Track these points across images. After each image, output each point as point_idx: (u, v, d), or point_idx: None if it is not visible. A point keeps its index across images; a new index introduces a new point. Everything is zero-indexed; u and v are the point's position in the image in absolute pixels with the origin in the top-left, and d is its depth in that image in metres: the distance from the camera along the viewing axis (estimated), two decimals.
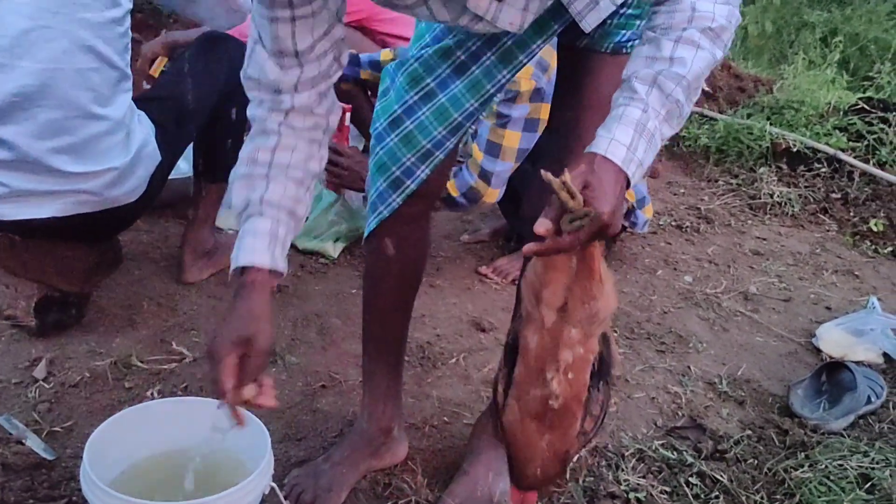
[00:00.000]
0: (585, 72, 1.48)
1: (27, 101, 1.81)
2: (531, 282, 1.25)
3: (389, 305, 1.66)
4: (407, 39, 3.05)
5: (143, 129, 2.00)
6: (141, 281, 2.38)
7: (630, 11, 1.45)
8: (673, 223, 3.28)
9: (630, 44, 1.47)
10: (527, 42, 1.40)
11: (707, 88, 4.36)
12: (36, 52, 1.80)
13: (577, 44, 1.47)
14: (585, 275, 1.20)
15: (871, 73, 5.57)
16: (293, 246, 2.66)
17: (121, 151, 1.93)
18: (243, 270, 1.29)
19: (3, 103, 1.81)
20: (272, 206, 1.30)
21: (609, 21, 1.43)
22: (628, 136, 1.12)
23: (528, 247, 1.13)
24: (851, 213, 3.45)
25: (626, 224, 2.71)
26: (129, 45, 1.97)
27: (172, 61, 2.36)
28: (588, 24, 1.23)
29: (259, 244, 1.28)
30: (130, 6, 1.94)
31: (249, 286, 1.28)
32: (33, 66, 1.80)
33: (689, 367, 2.28)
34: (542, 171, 1.06)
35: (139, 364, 2.00)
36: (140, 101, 2.04)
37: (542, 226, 1.09)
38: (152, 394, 1.91)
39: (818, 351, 2.44)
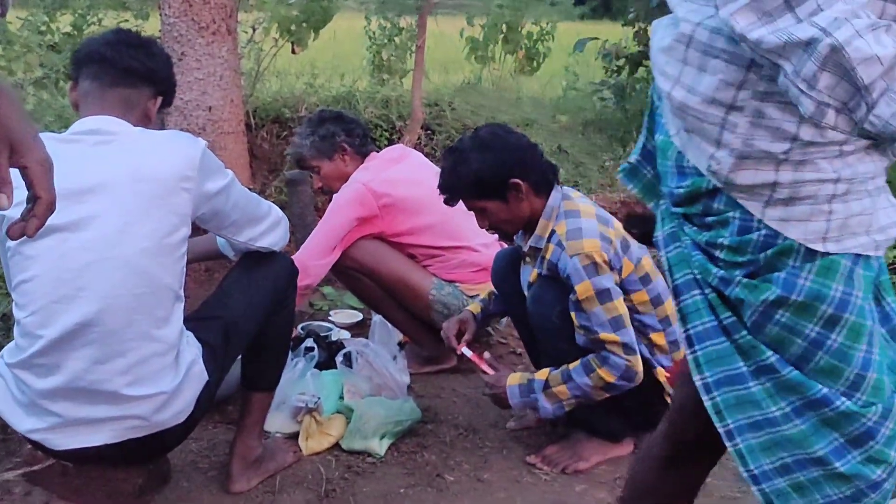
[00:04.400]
0: None
1: (86, 328, 1.89)
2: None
3: None
4: (431, 247, 3.13)
5: (191, 350, 2.06)
6: (189, 493, 2.38)
7: None
8: None
9: None
10: None
11: None
12: (96, 282, 1.89)
13: None
14: None
15: None
16: (338, 446, 2.67)
17: (170, 374, 1.98)
18: None
19: (65, 332, 1.89)
20: None
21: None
22: None
23: None
24: None
25: None
26: (185, 268, 2.05)
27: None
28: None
29: None
30: (188, 232, 2.03)
31: None
32: (93, 295, 1.89)
33: None
34: None
35: None
36: (187, 321, 2.11)
37: None
38: None
39: None
